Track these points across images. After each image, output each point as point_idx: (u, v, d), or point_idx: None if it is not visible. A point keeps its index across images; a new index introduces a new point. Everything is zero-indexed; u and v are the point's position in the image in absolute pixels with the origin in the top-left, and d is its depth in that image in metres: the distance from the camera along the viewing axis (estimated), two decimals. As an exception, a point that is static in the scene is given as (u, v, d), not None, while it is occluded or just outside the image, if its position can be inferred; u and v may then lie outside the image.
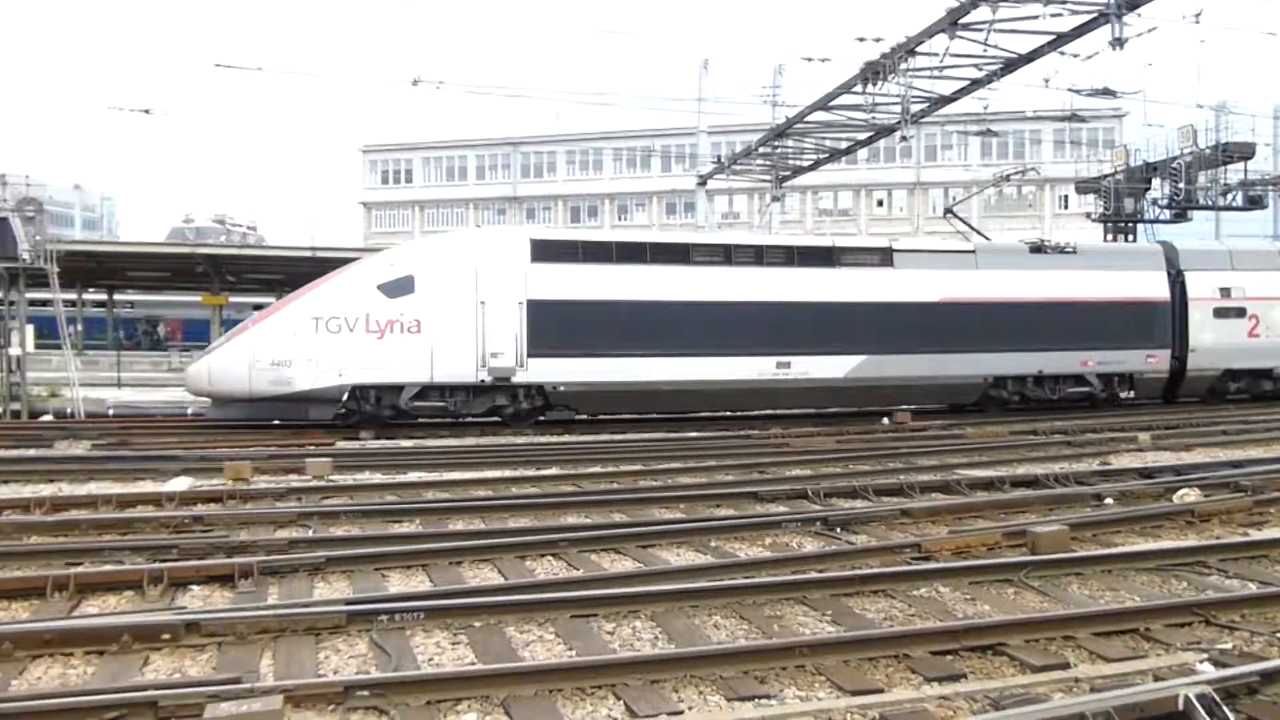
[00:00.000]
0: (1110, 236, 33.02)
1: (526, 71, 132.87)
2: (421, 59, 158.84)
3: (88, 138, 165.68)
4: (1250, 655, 5.95)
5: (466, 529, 10.09)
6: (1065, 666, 5.83)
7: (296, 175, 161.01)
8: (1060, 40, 21.15)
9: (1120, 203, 32.97)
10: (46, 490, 12.43)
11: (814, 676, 5.68)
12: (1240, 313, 23.92)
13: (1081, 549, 8.95)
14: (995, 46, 21.76)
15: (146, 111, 28.22)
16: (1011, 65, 22.47)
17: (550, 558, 8.81)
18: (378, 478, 13.74)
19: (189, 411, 21.84)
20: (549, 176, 69.90)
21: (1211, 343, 23.67)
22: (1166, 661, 5.89)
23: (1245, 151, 30.82)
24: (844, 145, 31.40)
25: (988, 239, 25.66)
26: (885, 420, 21.00)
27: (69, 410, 22.57)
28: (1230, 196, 32.06)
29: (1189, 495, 11.36)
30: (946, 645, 6.09)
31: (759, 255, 21.06)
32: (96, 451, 16.11)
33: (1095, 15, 19.82)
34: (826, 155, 32.57)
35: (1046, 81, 24.12)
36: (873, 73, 23.55)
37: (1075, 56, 21.89)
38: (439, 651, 6.18)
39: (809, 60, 27.02)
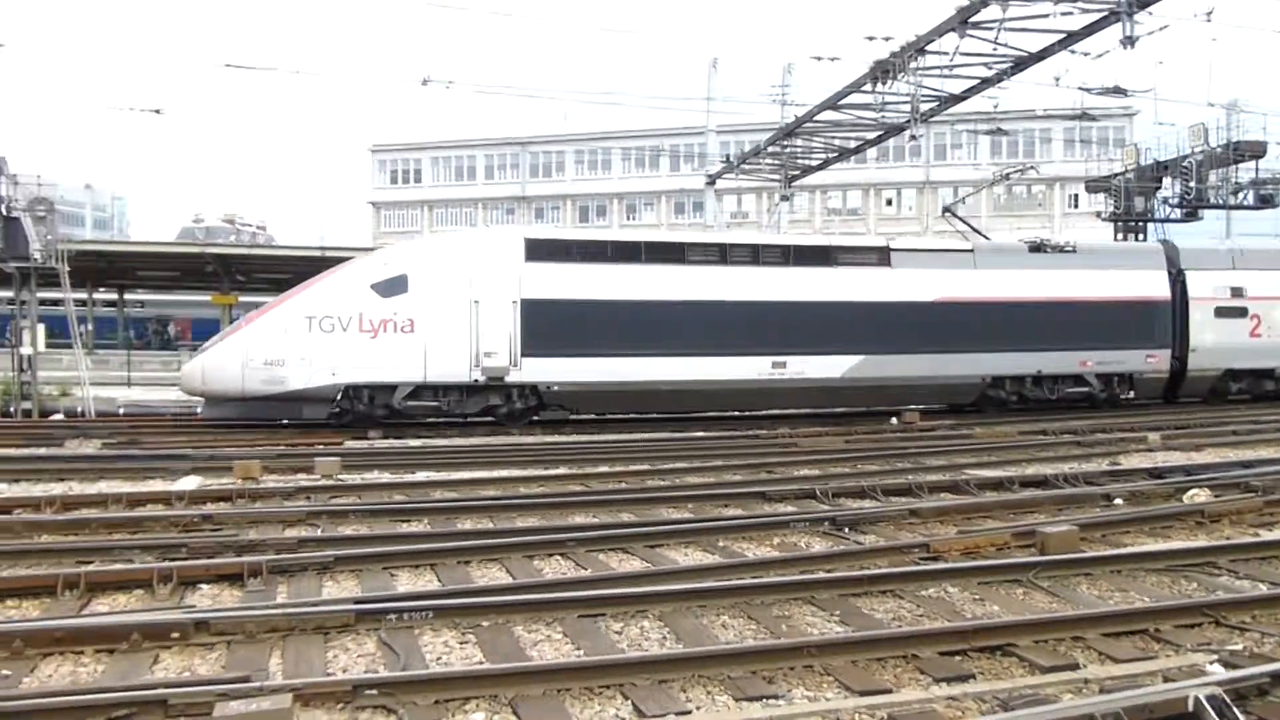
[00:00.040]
0: (1121, 236, 32.91)
1: (535, 71, 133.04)
2: (431, 59, 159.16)
3: (99, 138, 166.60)
4: (1261, 656, 5.92)
5: (474, 528, 10.10)
6: (1074, 667, 5.81)
7: (306, 175, 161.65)
8: (1071, 39, 21.05)
9: (1130, 202, 32.85)
10: (57, 489, 12.48)
11: (822, 677, 5.67)
12: (1242, 312, 23.76)
13: (1091, 549, 8.93)
14: (1005, 45, 21.66)
15: (157, 111, 28.29)
16: (1022, 64, 22.38)
17: (558, 557, 8.81)
18: (386, 477, 13.77)
19: (199, 411, 21.89)
20: (557, 176, 69.93)
21: (1212, 343, 23.51)
22: (1176, 662, 5.86)
23: (1257, 150, 30.67)
24: (853, 144, 31.30)
25: (987, 238, 25.54)
26: (893, 420, 20.95)
27: (79, 409, 22.68)
28: (1241, 195, 31.90)
29: (1199, 496, 11.31)
30: (955, 646, 6.08)
31: (755, 255, 20.98)
32: (107, 450, 16.17)
33: (1106, 14, 19.73)
34: (835, 154, 32.49)
35: (1057, 80, 24.01)
36: (882, 72, 23.48)
37: (1086, 55, 21.78)
38: (447, 651, 6.19)
39: (818, 59, 26.83)
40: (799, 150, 33.08)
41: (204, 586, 7.73)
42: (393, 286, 18.79)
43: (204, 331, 42.22)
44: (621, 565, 8.55)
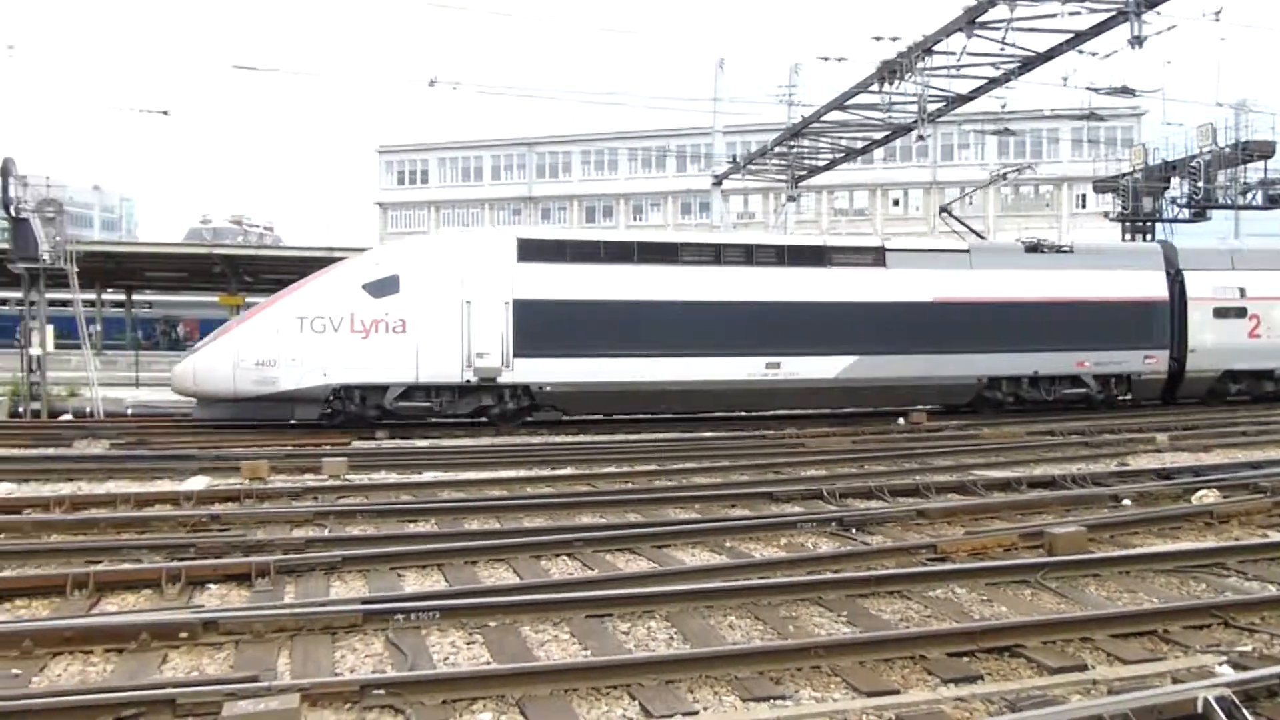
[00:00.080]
0: (1129, 236, 32.81)
1: (542, 72, 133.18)
2: (437, 61, 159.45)
3: (107, 139, 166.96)
4: (1270, 658, 5.90)
5: (482, 529, 10.11)
6: (1083, 668, 5.80)
7: (313, 176, 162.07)
8: (1079, 39, 21.02)
9: (1138, 202, 32.74)
10: (66, 489, 12.54)
11: (829, 677, 5.67)
12: (1241, 313, 23.61)
13: (1099, 550, 8.91)
14: (1013, 45, 21.65)
15: (165, 113, 28.36)
16: (1029, 64, 22.35)
17: (565, 558, 8.82)
18: (393, 477, 13.79)
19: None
20: (564, 177, 69.97)
21: (1211, 343, 23.38)
22: (1185, 664, 5.85)
23: (1265, 150, 30.50)
24: (860, 145, 31.29)
25: (984, 238, 25.44)
26: (900, 421, 20.93)
27: (88, 410, 22.72)
28: (1250, 195, 31.75)
29: (1208, 496, 11.28)
30: (963, 646, 6.07)
31: (749, 255, 20.91)
32: (115, 451, 16.22)
33: (1114, 13, 19.70)
34: (842, 155, 32.47)
35: (1065, 80, 23.98)
36: (889, 72, 23.47)
37: (1094, 55, 21.75)
38: (454, 651, 6.20)
39: (825, 59, 26.89)
40: (806, 151, 33.07)
41: (212, 586, 7.76)
42: (384, 287, 18.74)
43: (212, 332, 42.35)
44: (629, 565, 8.55)
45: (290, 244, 52.68)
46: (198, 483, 12.91)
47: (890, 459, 15.35)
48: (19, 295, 26.29)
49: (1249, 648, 6.14)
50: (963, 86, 24.36)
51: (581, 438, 18.54)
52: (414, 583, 7.99)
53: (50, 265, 21.98)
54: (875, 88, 24.62)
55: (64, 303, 26.08)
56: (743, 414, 22.08)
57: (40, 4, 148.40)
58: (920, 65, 22.94)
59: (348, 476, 13.54)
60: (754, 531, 9.74)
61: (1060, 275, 22.34)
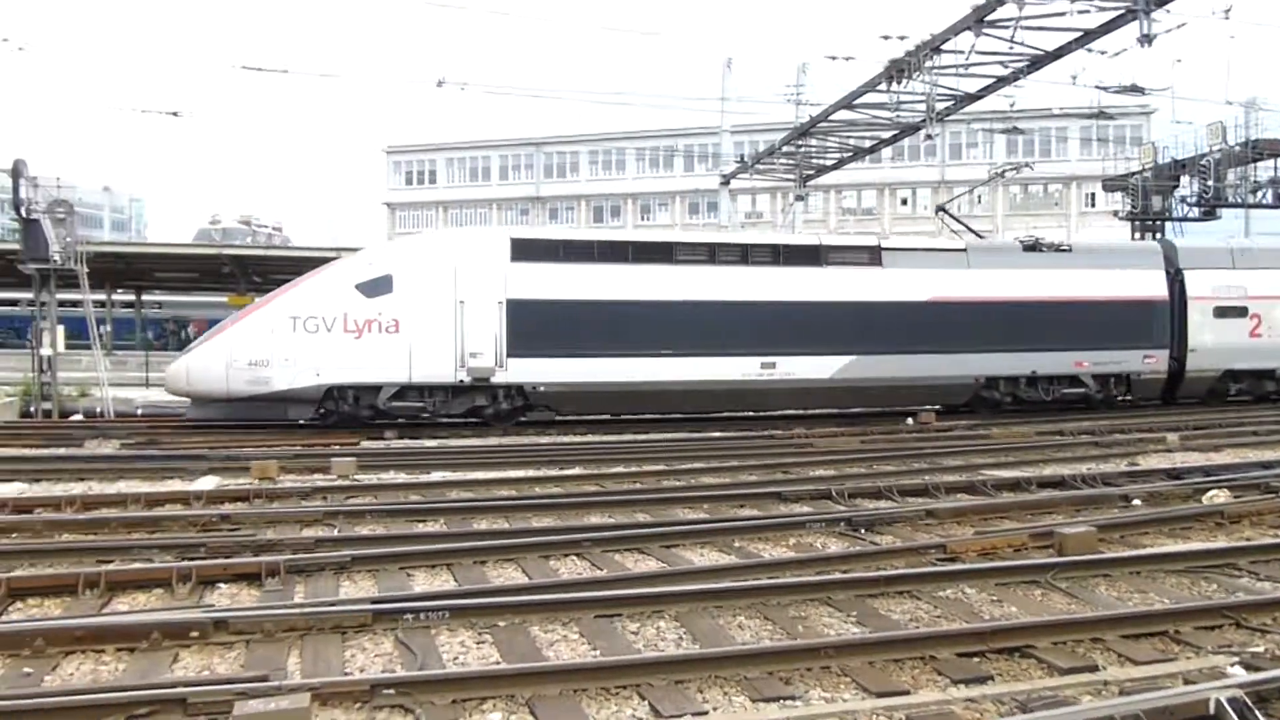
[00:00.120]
0: (1138, 235, 32.72)
1: (549, 72, 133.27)
2: (445, 61, 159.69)
3: (117, 140, 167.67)
4: (1282, 659, 5.87)
5: (490, 529, 10.13)
6: (1094, 669, 5.78)
7: (321, 176, 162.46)
8: (1088, 37, 20.93)
9: (1148, 200, 32.64)
10: (77, 488, 12.59)
11: (839, 678, 5.66)
12: (1242, 312, 23.41)
13: (1109, 550, 8.88)
14: (1021, 44, 21.56)
15: (174, 114, 28.41)
16: (1038, 62, 22.27)
17: (574, 558, 8.83)
18: (402, 477, 13.82)
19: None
20: (572, 176, 70.01)
21: (1212, 343, 23.19)
22: (1197, 664, 5.83)
23: (1276, 148, 30.39)
24: (868, 144, 31.23)
25: (982, 237, 25.32)
26: (909, 420, 20.87)
27: (98, 410, 22.82)
28: (1260, 194, 31.65)
29: (1219, 496, 11.23)
30: (973, 647, 6.06)
31: (744, 254, 20.82)
32: (125, 450, 16.29)
33: (1123, 11, 19.61)
34: (850, 154, 32.43)
35: (1074, 79, 23.89)
36: (897, 71, 23.40)
37: (1103, 53, 21.65)
38: (464, 651, 6.21)
39: (833, 59, 26.78)
40: (814, 150, 33.03)
41: (222, 586, 7.78)
42: (377, 286, 18.71)
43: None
44: (637, 565, 8.55)
45: (299, 244, 52.81)
46: (208, 482, 12.95)
47: (899, 459, 15.32)
48: (30, 296, 26.40)
49: (1261, 649, 6.11)
50: (971, 85, 24.29)
51: (590, 438, 18.55)
52: (423, 582, 8.00)
53: (61, 266, 22.07)
54: (883, 87, 24.56)
55: (74, 303, 26.21)
56: (738, 414, 21.95)
57: (50, 5, 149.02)
58: (928, 64, 22.88)
59: (356, 476, 13.57)
60: (763, 531, 9.74)
61: (1059, 274, 22.20)
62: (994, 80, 23.70)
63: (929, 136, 26.23)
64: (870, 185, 62.72)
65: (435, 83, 27.03)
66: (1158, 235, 31.90)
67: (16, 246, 24.22)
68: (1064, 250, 22.99)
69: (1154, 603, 7.30)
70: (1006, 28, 21.06)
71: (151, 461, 14.73)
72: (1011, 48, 21.76)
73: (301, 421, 19.15)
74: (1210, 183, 31.04)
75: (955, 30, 21.61)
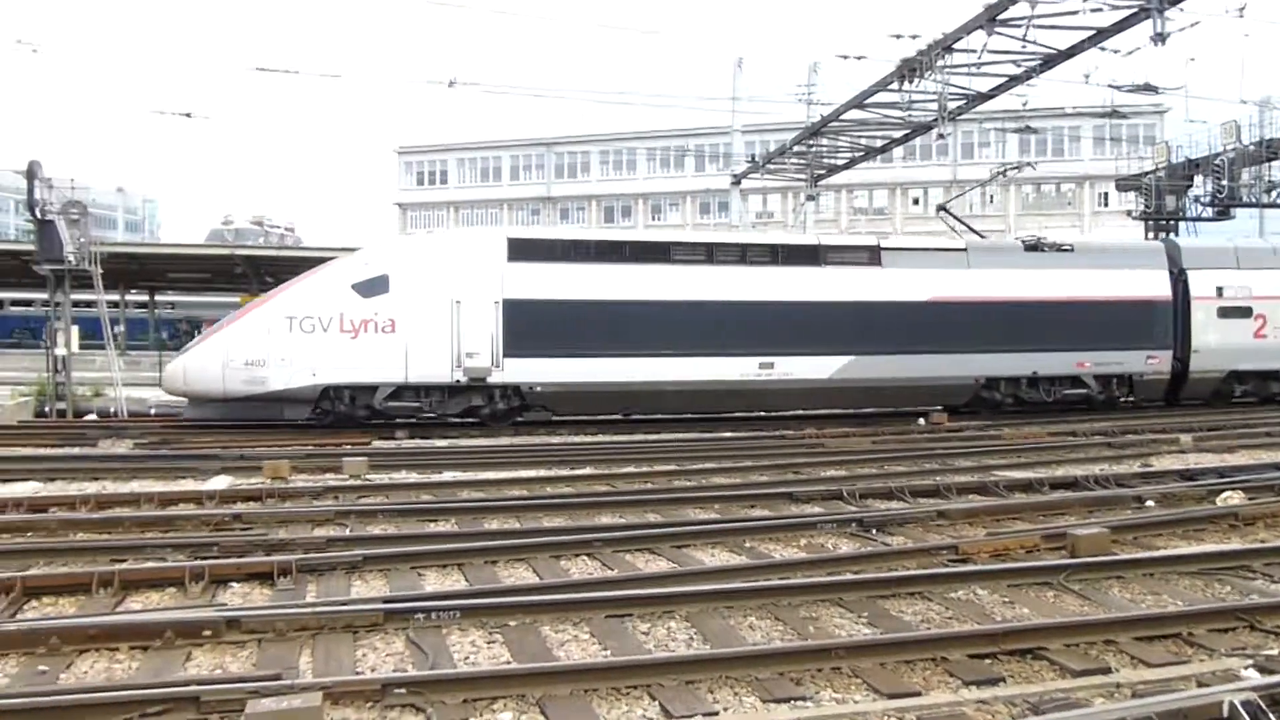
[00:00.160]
0: (1152, 234, 32.57)
1: (561, 73, 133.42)
2: (457, 61, 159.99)
3: (130, 141, 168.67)
4: (1297, 661, 5.83)
5: (501, 528, 10.14)
6: (1106, 671, 5.76)
7: (333, 177, 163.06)
8: (1100, 36, 20.85)
9: (1161, 200, 32.52)
10: (91, 488, 12.65)
11: (850, 679, 5.65)
12: (1246, 312, 23.15)
13: (1122, 552, 8.84)
14: (1034, 42, 21.52)
15: (188, 115, 28.41)
16: (1051, 61, 22.21)
17: (585, 558, 8.83)
18: (413, 477, 13.85)
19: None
20: (583, 177, 70.07)
21: (1215, 343, 22.96)
22: (1210, 667, 5.79)
23: (1290, 147, 30.22)
24: (880, 143, 31.19)
25: (982, 236, 25.18)
26: (921, 421, 20.81)
27: (112, 409, 22.94)
28: (1275, 193, 31.47)
29: (1233, 498, 11.17)
30: (985, 649, 6.04)
31: (742, 254, 20.74)
32: (139, 450, 16.37)
33: (1136, 10, 19.54)
34: (862, 154, 32.39)
35: (1086, 78, 23.83)
36: (909, 70, 23.37)
37: (1116, 52, 21.55)
38: (475, 650, 6.22)
39: (844, 58, 26.72)
40: (825, 150, 33.00)
41: (235, 585, 7.82)
42: (373, 286, 18.68)
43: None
44: (648, 566, 8.55)
45: (311, 245, 52.97)
46: (220, 482, 13.01)
47: (910, 459, 15.28)
48: (45, 296, 26.56)
49: (1275, 651, 6.06)
50: (983, 84, 24.23)
51: (601, 438, 18.55)
52: (434, 582, 8.02)
53: (75, 266, 22.20)
54: (895, 86, 24.53)
55: (88, 304, 26.36)
56: (736, 415, 21.81)
57: (65, 8, 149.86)
58: (940, 63, 22.84)
59: (368, 476, 13.61)
60: (774, 532, 9.72)
61: (1060, 274, 22.03)
62: (1006, 79, 23.64)
63: (941, 136, 26.17)
64: (882, 185, 62.56)
65: (447, 83, 27.05)
66: (1162, 236, 31.76)
67: (31, 247, 24.38)
68: (1066, 250, 22.80)
69: (1167, 605, 7.26)
70: (1019, 26, 21.01)
71: (165, 461, 14.80)
72: (1024, 46, 21.71)
73: (313, 422, 19.19)
74: (1224, 182, 30.90)
75: (967, 29, 21.57)
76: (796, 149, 33.20)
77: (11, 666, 5.91)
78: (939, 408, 21.62)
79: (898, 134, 29.20)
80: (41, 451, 16.39)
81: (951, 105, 24.58)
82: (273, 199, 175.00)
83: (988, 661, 5.92)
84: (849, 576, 7.82)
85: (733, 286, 20.24)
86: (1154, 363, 22.49)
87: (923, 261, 21.65)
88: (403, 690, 5.26)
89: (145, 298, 43.47)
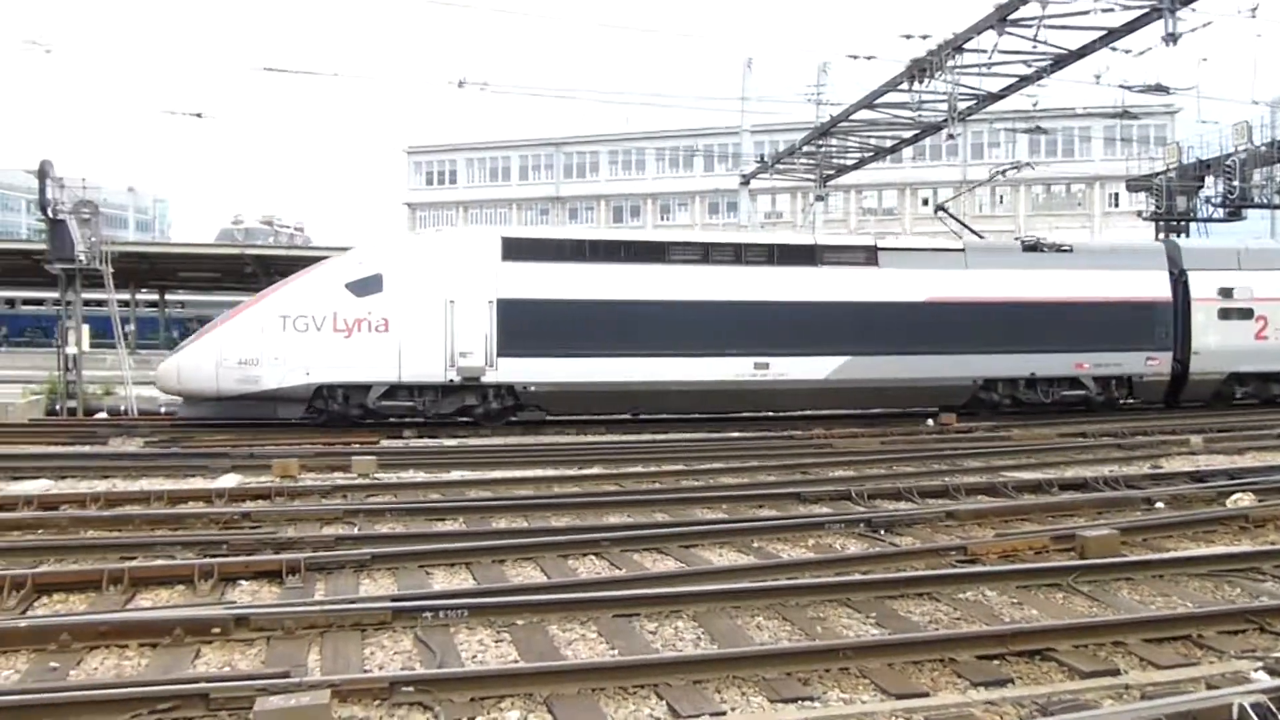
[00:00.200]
0: (1162, 235, 32.44)
1: (570, 72, 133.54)
2: (465, 61, 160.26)
3: (141, 141, 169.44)
4: (1308, 664, 5.80)
5: (509, 527, 10.15)
6: (1115, 673, 5.74)
7: (343, 177, 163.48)
8: (1112, 36, 20.77)
9: (1172, 201, 32.39)
10: (101, 486, 12.70)
11: (858, 679, 5.65)
12: (1247, 314, 22.96)
13: (1132, 553, 8.81)
14: (1045, 43, 21.44)
15: (198, 115, 28.47)
16: (1061, 61, 22.13)
17: (592, 557, 8.84)
18: (421, 476, 13.87)
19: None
20: (592, 177, 70.10)
21: (1216, 345, 22.80)
22: (1220, 669, 5.77)
23: (1302, 148, 30.06)
24: (889, 144, 31.13)
25: (981, 237, 25.08)
26: (929, 422, 20.76)
27: (123, 408, 23.03)
28: (1286, 194, 31.32)
29: (1243, 500, 11.11)
30: (993, 650, 6.03)
31: (738, 254, 20.65)
32: (149, 449, 16.43)
33: (1148, 10, 19.47)
34: (871, 154, 32.34)
35: (1097, 78, 23.74)
36: (919, 70, 23.32)
37: (1127, 52, 21.48)
38: (482, 649, 6.23)
39: (854, 58, 26.62)
40: (834, 150, 32.95)
41: (244, 583, 7.85)
42: (367, 286, 18.66)
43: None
44: (656, 565, 8.56)
45: (320, 244, 53.13)
46: (229, 480, 13.05)
47: (919, 460, 15.25)
48: (56, 295, 26.68)
49: (1285, 653, 6.04)
50: (994, 85, 24.16)
51: (608, 438, 18.56)
52: (442, 581, 8.03)
53: (86, 266, 22.30)
54: (905, 86, 24.48)
55: (99, 303, 26.46)
56: (738, 415, 21.71)
57: (77, 8, 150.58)
58: (951, 63, 22.77)
59: (377, 475, 13.63)
60: (782, 532, 9.71)
61: (1059, 275, 21.90)
62: (1017, 79, 23.57)
63: (951, 136, 26.06)
64: (891, 185, 62.45)
65: (456, 83, 27.04)
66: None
67: (43, 247, 24.48)
68: (1065, 250, 22.66)
69: (1176, 606, 7.24)
70: (1029, 26, 20.95)
71: (174, 459, 14.86)
72: (1034, 47, 21.64)
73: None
74: (1235, 183, 30.75)
75: (978, 29, 21.51)
76: (806, 149, 33.16)
77: (22, 663, 5.95)
78: (936, 409, 21.49)
79: (907, 134, 29.14)
80: (52, 449, 16.48)
81: (961, 105, 24.50)
82: (282, 199, 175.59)
83: (996, 662, 5.91)
84: (857, 577, 7.81)
85: (728, 286, 20.19)
86: (1154, 364, 22.35)
87: (920, 262, 21.55)
88: (410, 689, 5.28)
89: (156, 297, 43.63)
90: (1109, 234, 55.71)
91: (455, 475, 13.88)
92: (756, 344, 20.09)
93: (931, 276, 21.31)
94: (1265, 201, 31.52)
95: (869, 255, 21.32)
